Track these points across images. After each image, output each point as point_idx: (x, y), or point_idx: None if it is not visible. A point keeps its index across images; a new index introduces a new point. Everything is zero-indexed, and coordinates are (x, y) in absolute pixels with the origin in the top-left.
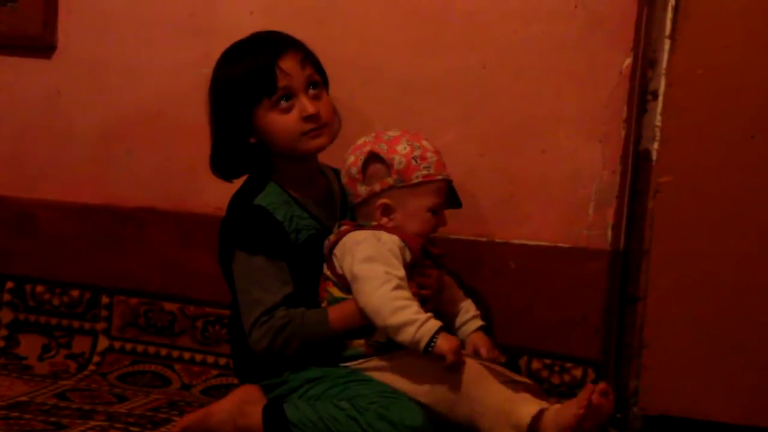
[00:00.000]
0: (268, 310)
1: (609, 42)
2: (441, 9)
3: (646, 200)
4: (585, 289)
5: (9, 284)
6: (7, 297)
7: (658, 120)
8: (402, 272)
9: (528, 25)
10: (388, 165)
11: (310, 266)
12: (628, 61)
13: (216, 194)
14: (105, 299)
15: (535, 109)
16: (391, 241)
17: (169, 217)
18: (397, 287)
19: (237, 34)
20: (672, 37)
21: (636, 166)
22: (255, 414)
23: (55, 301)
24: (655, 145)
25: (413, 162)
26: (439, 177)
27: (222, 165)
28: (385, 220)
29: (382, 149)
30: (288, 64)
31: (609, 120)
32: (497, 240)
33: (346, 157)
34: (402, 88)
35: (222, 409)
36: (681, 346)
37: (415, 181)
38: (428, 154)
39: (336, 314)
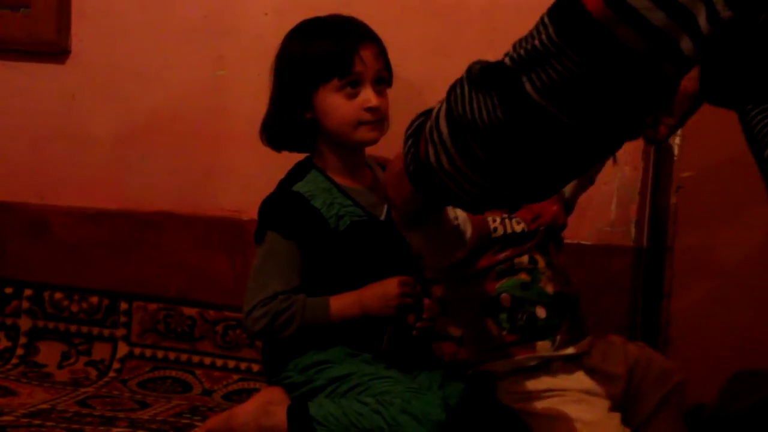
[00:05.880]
0: (273, 295)
1: None
2: (457, 6)
3: (669, 196)
4: (609, 287)
5: (27, 291)
6: (25, 304)
7: None
8: None
9: None
10: None
11: (351, 252)
12: None
13: (232, 197)
14: (124, 305)
15: None
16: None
17: (185, 221)
18: None
19: (251, 36)
20: None
21: (658, 162)
22: (279, 414)
23: (74, 308)
24: (677, 140)
25: None
26: None
27: (271, 133)
28: None
29: None
30: (366, 53)
31: None
32: None
33: None
34: (419, 88)
35: (246, 410)
36: (706, 343)
37: None
38: None
39: (336, 304)
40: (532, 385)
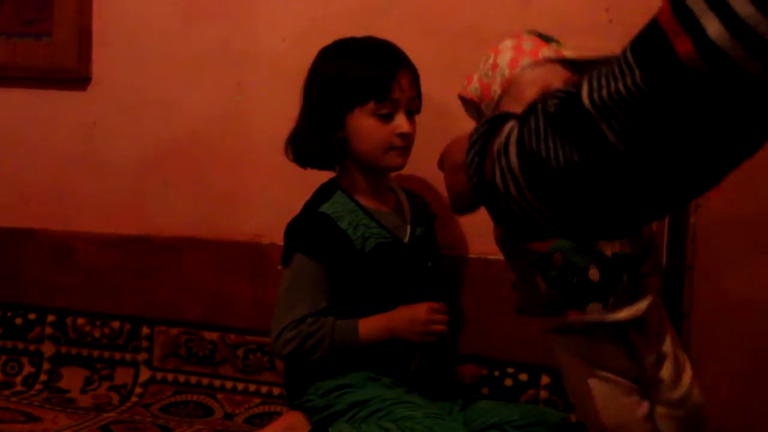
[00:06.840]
0: (302, 318)
1: None
2: (473, 30)
3: (688, 215)
4: None
5: (50, 317)
6: (48, 330)
7: None
8: None
9: (562, 42)
10: None
11: (376, 274)
12: None
13: (252, 222)
14: (145, 330)
15: None
16: None
17: (207, 246)
18: None
19: (270, 62)
20: None
21: None
22: None
23: (96, 333)
24: None
25: None
26: None
27: (299, 149)
28: None
29: None
30: (404, 80)
31: None
32: None
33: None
34: (438, 110)
35: None
36: (728, 363)
37: None
38: None
39: (365, 326)
40: (582, 344)
